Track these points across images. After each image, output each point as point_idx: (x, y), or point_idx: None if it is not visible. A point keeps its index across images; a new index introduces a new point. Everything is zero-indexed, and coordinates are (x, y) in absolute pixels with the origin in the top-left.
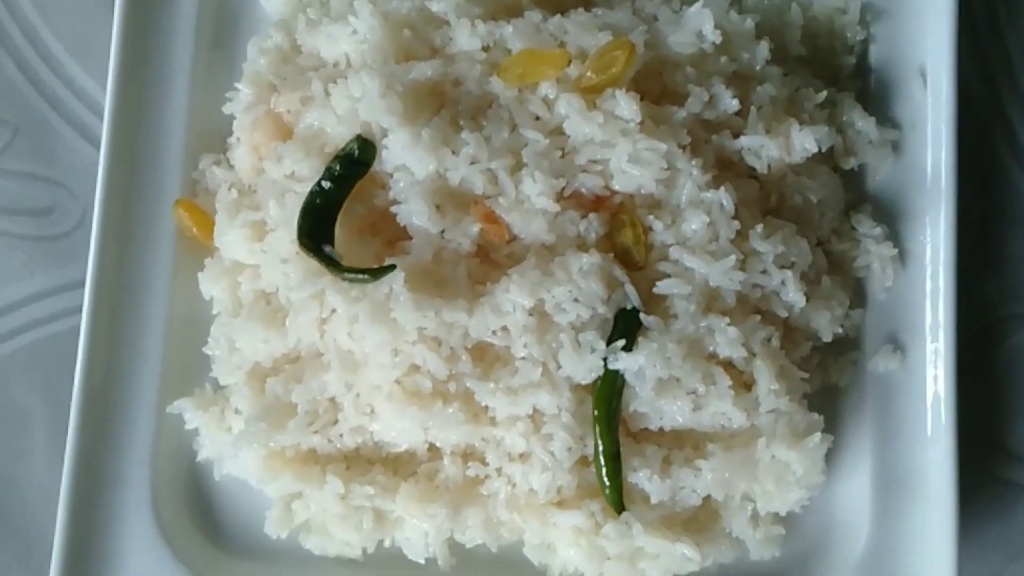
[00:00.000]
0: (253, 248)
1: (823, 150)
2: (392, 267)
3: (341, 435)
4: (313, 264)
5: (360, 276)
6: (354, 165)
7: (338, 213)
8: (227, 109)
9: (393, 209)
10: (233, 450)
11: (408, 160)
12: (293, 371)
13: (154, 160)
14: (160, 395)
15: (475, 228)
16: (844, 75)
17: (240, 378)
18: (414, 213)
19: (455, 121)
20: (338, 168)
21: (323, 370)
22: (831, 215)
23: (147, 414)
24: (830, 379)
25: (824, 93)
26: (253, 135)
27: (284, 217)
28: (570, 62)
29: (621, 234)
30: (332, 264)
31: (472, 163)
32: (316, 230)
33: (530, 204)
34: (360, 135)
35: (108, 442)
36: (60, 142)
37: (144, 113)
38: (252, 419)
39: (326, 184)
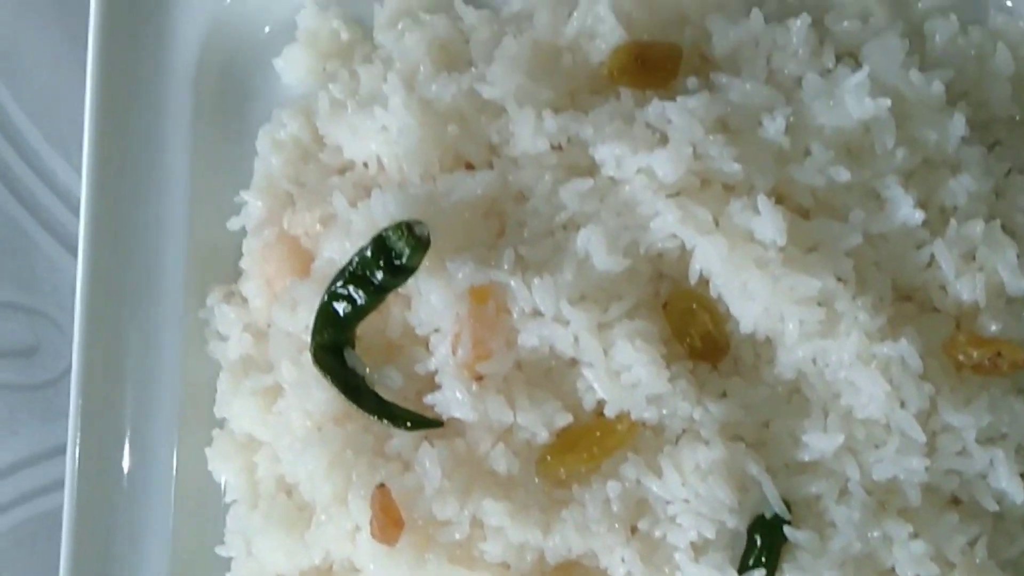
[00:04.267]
0: (267, 421)
1: None
2: (439, 423)
3: None
4: (337, 445)
5: (400, 421)
6: (393, 273)
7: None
8: (233, 224)
9: (429, 399)
10: None
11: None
12: None
13: (147, 293)
14: None
15: (559, 415)
16: None
17: None
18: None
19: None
20: (372, 269)
21: None
22: None
23: None
24: None
25: None
26: (264, 265)
27: (302, 383)
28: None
29: (689, 322)
30: (361, 396)
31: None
32: (336, 339)
33: (627, 372)
34: (409, 226)
35: None
36: (40, 257)
37: (130, 227)
38: None
39: (353, 292)
